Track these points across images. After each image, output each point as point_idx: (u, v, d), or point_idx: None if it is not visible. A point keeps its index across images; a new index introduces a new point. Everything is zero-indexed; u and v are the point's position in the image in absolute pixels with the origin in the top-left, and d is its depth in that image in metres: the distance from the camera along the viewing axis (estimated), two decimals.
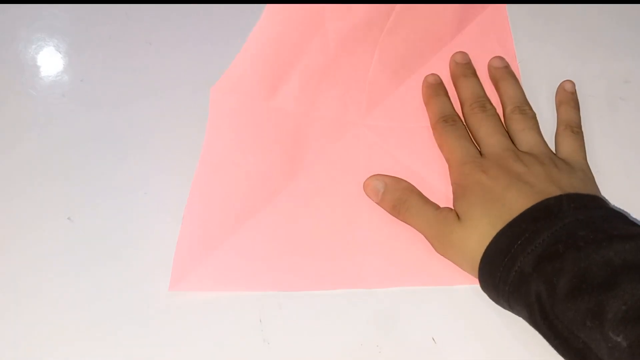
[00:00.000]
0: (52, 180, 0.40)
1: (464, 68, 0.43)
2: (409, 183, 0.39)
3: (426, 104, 0.43)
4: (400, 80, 0.44)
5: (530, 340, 0.34)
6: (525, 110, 0.41)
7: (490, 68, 0.44)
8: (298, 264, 0.38)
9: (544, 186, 0.35)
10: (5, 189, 0.40)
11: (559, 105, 0.42)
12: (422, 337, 0.35)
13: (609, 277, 0.30)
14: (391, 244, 0.38)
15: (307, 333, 0.36)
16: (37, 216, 0.39)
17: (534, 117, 0.41)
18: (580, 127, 0.41)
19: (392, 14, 0.39)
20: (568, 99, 0.42)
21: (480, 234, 0.35)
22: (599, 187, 0.38)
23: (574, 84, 0.43)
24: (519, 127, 0.40)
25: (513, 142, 0.39)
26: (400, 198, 0.38)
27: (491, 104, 0.42)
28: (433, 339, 0.35)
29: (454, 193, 0.38)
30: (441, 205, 0.38)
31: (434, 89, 0.43)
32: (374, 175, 0.40)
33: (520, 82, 0.43)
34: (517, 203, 0.35)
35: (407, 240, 0.38)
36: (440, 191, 0.39)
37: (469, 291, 0.36)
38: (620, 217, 0.34)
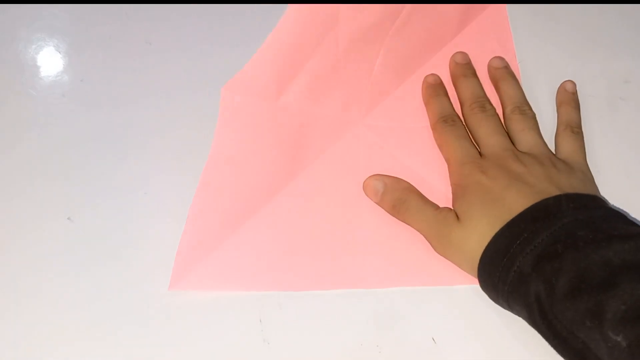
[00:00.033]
0: (52, 180, 0.40)
1: (463, 68, 0.43)
2: (408, 183, 0.39)
3: (426, 104, 0.43)
4: (400, 80, 0.44)
5: (530, 340, 0.34)
6: (525, 110, 0.41)
7: (490, 68, 0.44)
8: (298, 263, 0.38)
9: (543, 186, 0.35)
10: (5, 189, 0.40)
11: (559, 105, 0.42)
12: (422, 337, 0.35)
13: (608, 277, 0.30)
14: (391, 244, 0.38)
15: (307, 333, 0.36)
16: (37, 216, 0.39)
17: (533, 117, 0.41)
18: (580, 127, 0.41)
19: (401, 15, 0.39)
20: (569, 99, 0.42)
21: (479, 234, 0.35)
22: (599, 187, 0.38)
23: (574, 84, 0.43)
24: (518, 127, 0.40)
25: (513, 143, 0.39)
26: (399, 198, 0.38)
27: (491, 104, 0.42)
28: (433, 339, 0.35)
29: (453, 193, 0.38)
30: (441, 206, 0.38)
31: (434, 89, 0.43)
32: (374, 175, 0.40)
33: (520, 82, 0.43)
34: (516, 203, 0.35)
35: (407, 240, 0.38)
36: (440, 191, 0.39)
37: (469, 291, 0.36)
38: (620, 216, 0.34)
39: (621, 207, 0.38)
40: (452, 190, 0.39)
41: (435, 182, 0.40)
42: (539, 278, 0.32)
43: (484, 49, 0.45)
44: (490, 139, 0.39)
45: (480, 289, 0.36)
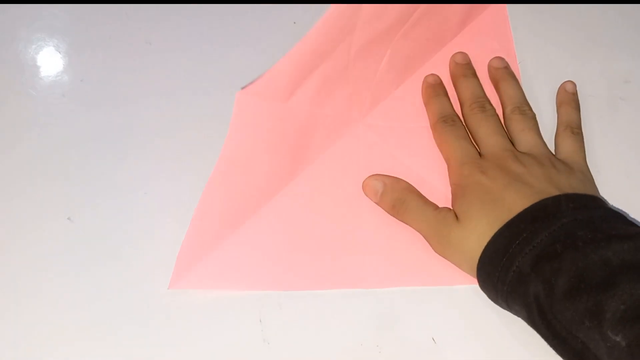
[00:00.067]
0: (52, 180, 0.40)
1: (463, 68, 0.43)
2: (408, 183, 0.39)
3: (426, 104, 0.43)
4: (401, 80, 0.44)
5: (530, 340, 0.34)
6: (525, 110, 0.41)
7: (490, 68, 0.44)
8: (298, 263, 0.38)
9: (543, 186, 0.35)
10: (5, 189, 0.40)
11: (559, 105, 0.42)
12: (422, 337, 0.35)
13: (607, 277, 0.30)
14: (391, 244, 0.38)
15: (307, 333, 0.36)
16: (37, 216, 0.39)
17: (533, 117, 0.41)
18: (580, 128, 0.41)
19: (413, 16, 0.39)
20: (569, 100, 0.42)
21: (478, 234, 0.35)
22: (599, 187, 0.38)
23: (575, 85, 0.43)
24: (518, 127, 0.40)
25: (512, 143, 0.39)
26: (399, 198, 0.38)
27: (491, 104, 0.42)
28: (433, 339, 0.35)
29: (453, 193, 0.38)
30: (440, 206, 0.38)
31: (434, 89, 0.43)
32: (373, 175, 0.40)
33: (520, 82, 0.43)
34: (515, 203, 0.35)
35: (406, 240, 0.38)
36: (440, 191, 0.39)
37: (469, 291, 0.36)
38: (619, 217, 0.34)
39: (621, 207, 0.38)
40: (451, 190, 0.39)
41: (435, 182, 0.40)
42: (538, 278, 0.32)
43: (484, 49, 0.45)
44: (490, 139, 0.39)
45: (479, 289, 0.36)
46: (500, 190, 0.36)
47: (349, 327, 0.36)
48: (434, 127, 0.42)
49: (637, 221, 0.37)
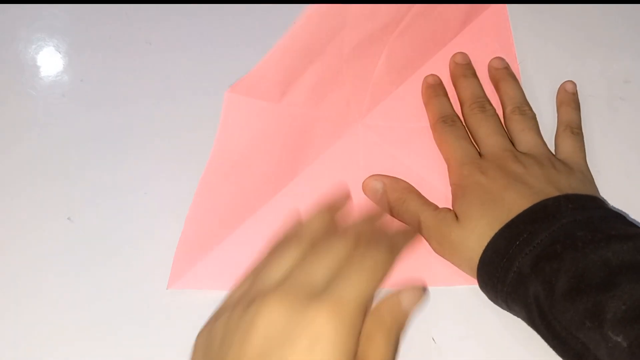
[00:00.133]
0: (52, 180, 0.40)
1: (463, 69, 0.43)
2: (407, 183, 0.39)
3: (426, 104, 0.43)
4: (401, 80, 0.44)
5: (529, 340, 0.34)
6: (525, 110, 0.41)
7: (490, 69, 0.44)
8: None
9: (543, 187, 0.35)
10: (5, 189, 0.40)
11: (559, 105, 0.42)
12: (422, 337, 0.35)
13: (607, 278, 0.30)
14: None
15: None
16: (37, 216, 0.39)
17: (533, 117, 0.41)
18: (580, 128, 0.41)
19: (406, 17, 0.38)
20: (569, 100, 0.42)
21: (478, 234, 0.35)
22: (599, 187, 0.38)
23: (575, 85, 0.43)
24: (518, 127, 0.40)
25: (512, 143, 0.39)
26: (399, 198, 0.38)
27: (491, 104, 0.42)
28: (433, 339, 0.35)
29: (452, 193, 0.38)
30: (440, 206, 0.38)
31: (434, 89, 0.43)
32: (373, 175, 0.40)
33: (520, 82, 0.43)
34: (515, 204, 0.35)
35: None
36: (440, 191, 0.39)
37: (469, 291, 0.36)
38: (619, 217, 0.34)
39: (621, 207, 0.38)
40: (451, 190, 0.39)
41: (435, 182, 0.40)
42: (538, 279, 0.32)
43: (485, 50, 0.45)
44: (490, 139, 0.39)
45: (479, 289, 0.36)
46: (500, 191, 0.36)
47: None
48: (433, 127, 0.42)
49: (637, 222, 0.37)
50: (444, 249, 0.37)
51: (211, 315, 0.30)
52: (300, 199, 0.39)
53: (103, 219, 0.39)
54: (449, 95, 0.43)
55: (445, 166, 0.40)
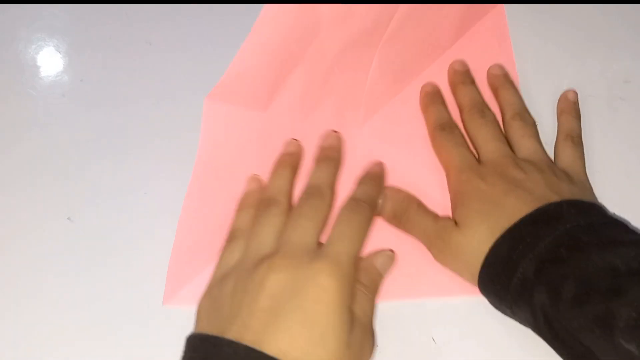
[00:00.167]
0: (52, 180, 0.40)
1: (462, 76, 0.43)
2: (408, 192, 0.39)
3: (424, 112, 0.43)
4: (398, 87, 0.43)
5: (529, 340, 0.34)
6: (525, 117, 0.40)
7: (489, 76, 0.43)
8: None
9: (544, 192, 0.35)
10: (5, 189, 0.40)
11: (560, 113, 0.42)
12: (422, 337, 0.35)
13: (615, 283, 0.30)
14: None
15: None
16: (37, 216, 0.39)
17: (533, 124, 0.40)
18: (580, 137, 0.40)
19: (394, 19, 0.38)
20: (569, 109, 0.42)
21: (479, 240, 0.34)
22: (599, 187, 0.38)
23: (576, 94, 0.42)
24: (518, 133, 0.40)
25: (512, 149, 0.39)
26: (400, 208, 0.38)
27: (490, 110, 0.41)
28: (433, 339, 0.35)
29: (452, 201, 0.38)
30: (440, 214, 0.38)
31: (432, 97, 0.42)
32: None
33: (519, 88, 0.43)
34: (516, 209, 0.34)
35: (408, 250, 0.37)
36: (439, 199, 0.39)
37: None
38: (620, 224, 0.34)
39: (621, 208, 0.37)
40: (450, 197, 0.38)
41: (434, 190, 0.39)
42: (543, 283, 0.31)
43: (483, 56, 0.44)
44: (490, 145, 0.39)
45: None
46: (500, 196, 0.35)
47: None
48: (432, 134, 0.41)
49: (638, 229, 0.37)
50: (445, 256, 0.36)
51: (208, 284, 0.34)
52: None
53: (103, 219, 0.39)
54: (448, 103, 0.43)
55: (444, 174, 0.40)
